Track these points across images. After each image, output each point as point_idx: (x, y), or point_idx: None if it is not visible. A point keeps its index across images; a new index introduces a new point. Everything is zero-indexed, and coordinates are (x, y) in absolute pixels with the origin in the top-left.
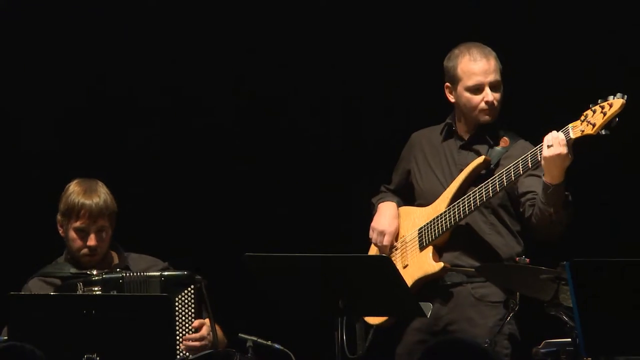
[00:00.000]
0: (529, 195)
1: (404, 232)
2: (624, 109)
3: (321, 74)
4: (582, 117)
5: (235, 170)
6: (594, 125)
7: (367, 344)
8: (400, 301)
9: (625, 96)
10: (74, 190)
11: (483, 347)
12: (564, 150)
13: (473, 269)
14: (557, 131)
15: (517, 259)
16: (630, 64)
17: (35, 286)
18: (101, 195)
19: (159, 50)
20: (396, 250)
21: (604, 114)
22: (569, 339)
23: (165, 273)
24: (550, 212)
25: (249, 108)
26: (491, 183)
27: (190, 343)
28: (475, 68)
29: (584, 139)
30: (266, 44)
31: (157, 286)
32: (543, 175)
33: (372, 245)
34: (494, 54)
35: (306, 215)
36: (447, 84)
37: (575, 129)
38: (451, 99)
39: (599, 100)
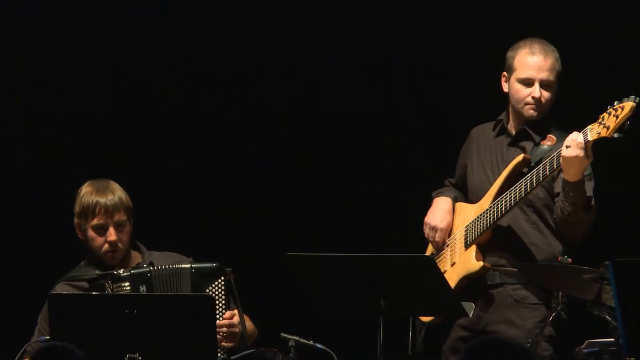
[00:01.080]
0: (559, 197)
1: (455, 229)
2: (634, 112)
3: (355, 70)
4: (600, 119)
5: (271, 169)
6: (608, 128)
7: (420, 340)
8: (441, 301)
9: (638, 99)
10: (87, 191)
11: (525, 347)
12: (580, 152)
13: (515, 269)
14: (578, 132)
15: (560, 258)
16: None
17: (62, 291)
18: (115, 192)
19: (184, 42)
20: (447, 247)
21: (616, 117)
22: (612, 339)
23: (195, 265)
24: (568, 210)
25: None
26: (524, 182)
27: (221, 329)
28: (530, 61)
29: (602, 141)
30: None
31: (187, 278)
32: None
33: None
34: (556, 54)
35: (356, 212)
36: (504, 72)
37: (593, 131)
38: (505, 88)
39: (615, 102)
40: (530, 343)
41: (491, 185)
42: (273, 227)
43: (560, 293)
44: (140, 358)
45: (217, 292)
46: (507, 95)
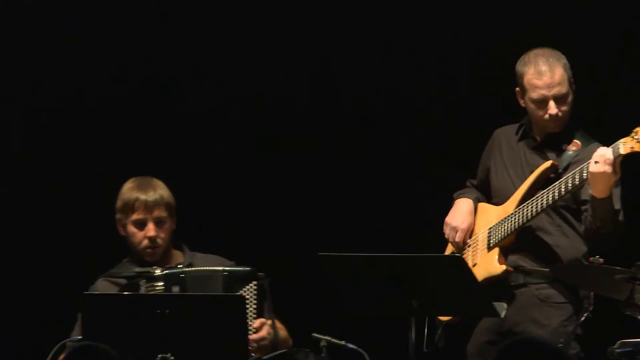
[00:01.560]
0: (587, 205)
1: (477, 229)
2: None
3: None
4: (633, 134)
5: (306, 170)
6: None
7: (437, 339)
8: (473, 301)
9: None
10: (129, 187)
11: (558, 347)
12: (608, 169)
13: (541, 269)
14: (608, 147)
15: (591, 258)
16: None
17: (102, 287)
18: (157, 188)
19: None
20: (469, 247)
21: None
22: None
23: (228, 268)
24: (598, 225)
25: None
26: (553, 189)
27: (251, 345)
28: (539, 83)
29: (634, 155)
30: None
31: (219, 281)
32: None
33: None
34: (562, 62)
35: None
36: (517, 89)
37: (626, 145)
38: (521, 103)
39: None
40: (562, 343)
41: (515, 188)
42: (303, 227)
43: (592, 293)
44: (172, 358)
45: (248, 297)
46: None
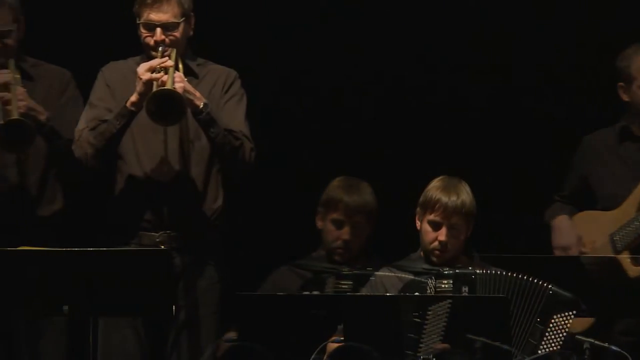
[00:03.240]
0: None
1: (592, 237)
2: None
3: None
4: None
5: None
6: None
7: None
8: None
9: None
10: (337, 185)
11: None
12: None
13: None
14: None
15: None
16: None
17: (284, 276)
18: (362, 194)
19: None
20: None
21: None
22: None
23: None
24: None
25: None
26: None
27: None
28: None
29: None
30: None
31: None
32: None
33: None
34: None
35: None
36: (621, 83)
37: None
38: (625, 98)
39: None
40: None
41: (628, 190)
42: None
43: None
44: None
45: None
46: (626, 103)
